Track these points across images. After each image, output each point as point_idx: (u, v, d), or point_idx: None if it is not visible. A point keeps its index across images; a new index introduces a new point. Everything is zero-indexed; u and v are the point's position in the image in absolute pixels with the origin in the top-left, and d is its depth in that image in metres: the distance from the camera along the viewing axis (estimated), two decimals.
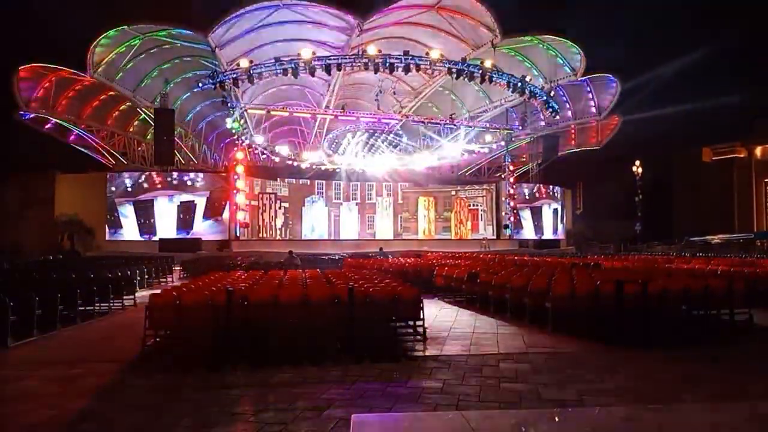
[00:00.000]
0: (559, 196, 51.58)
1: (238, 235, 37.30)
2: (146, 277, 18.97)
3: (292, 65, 26.63)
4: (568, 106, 43.99)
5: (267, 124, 38.83)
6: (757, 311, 10.32)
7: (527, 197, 48.97)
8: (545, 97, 32.19)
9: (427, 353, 8.37)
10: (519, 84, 29.76)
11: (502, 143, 42.61)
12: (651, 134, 54.65)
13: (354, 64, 27.89)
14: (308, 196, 44.38)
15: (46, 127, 40.56)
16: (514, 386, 6.43)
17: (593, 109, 44.06)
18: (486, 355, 8.08)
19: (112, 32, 33.73)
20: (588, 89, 42.99)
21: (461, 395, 6.08)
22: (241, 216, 36.31)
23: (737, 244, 43.50)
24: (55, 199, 40.46)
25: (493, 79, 29.09)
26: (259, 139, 37.20)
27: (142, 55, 36.37)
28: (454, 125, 38.50)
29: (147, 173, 39.20)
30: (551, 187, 50.71)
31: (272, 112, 35.27)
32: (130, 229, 37.98)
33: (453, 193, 48.21)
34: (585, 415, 3.79)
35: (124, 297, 13.94)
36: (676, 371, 7.29)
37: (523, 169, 50.11)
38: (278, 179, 43.09)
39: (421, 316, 9.03)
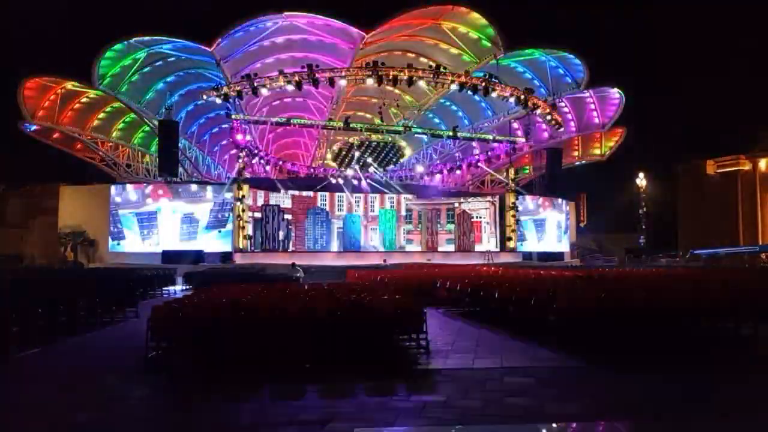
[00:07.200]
0: (563, 208, 51.44)
1: (241, 246, 37.30)
2: (149, 288, 18.98)
3: (296, 77, 26.83)
4: (571, 118, 44.04)
5: (271, 136, 39.00)
6: (763, 325, 10.22)
7: (531, 209, 48.84)
8: (548, 110, 32.28)
9: (431, 366, 8.30)
10: (522, 97, 29.88)
11: (506, 155, 42.64)
12: (655, 146, 54.70)
13: (357, 76, 28.07)
14: (311, 208, 44.39)
15: (51, 138, 40.84)
16: (517, 401, 6.36)
17: (597, 121, 44.11)
18: (490, 369, 8.00)
19: (118, 45, 34.06)
20: (591, 101, 43.07)
21: (464, 409, 6.02)
22: (244, 228, 36.31)
23: (742, 258, 43.28)
24: (59, 211, 40.58)
25: (496, 91, 29.22)
26: (262, 150, 37.33)
27: (147, 68, 36.69)
28: (458, 138, 38.61)
29: (151, 185, 39.32)
30: (555, 199, 50.58)
31: (276, 124, 35.47)
32: (133, 241, 37.98)
33: (456, 205, 48.13)
34: (589, 430, 3.74)
35: (127, 308, 13.91)
36: (681, 385, 7.22)
37: (527, 181, 50.08)
38: (281, 191, 43.12)
39: (424, 329, 8.97)
